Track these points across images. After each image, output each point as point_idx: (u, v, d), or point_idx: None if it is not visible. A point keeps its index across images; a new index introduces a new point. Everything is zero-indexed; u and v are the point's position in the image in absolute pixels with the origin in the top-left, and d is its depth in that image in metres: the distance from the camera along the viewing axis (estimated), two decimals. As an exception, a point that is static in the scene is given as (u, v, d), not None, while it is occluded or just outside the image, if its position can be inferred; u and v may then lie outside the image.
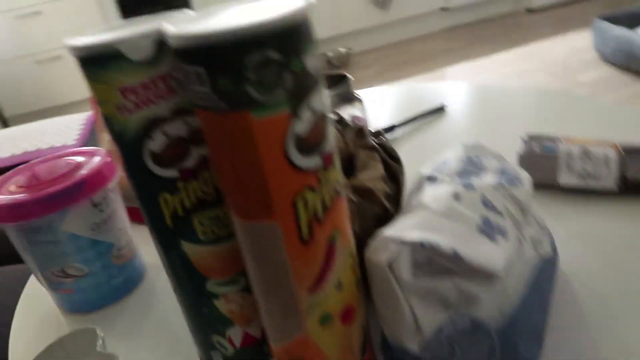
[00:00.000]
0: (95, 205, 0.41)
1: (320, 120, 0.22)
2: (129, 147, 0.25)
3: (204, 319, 0.31)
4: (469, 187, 0.31)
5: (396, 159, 0.42)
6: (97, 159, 0.43)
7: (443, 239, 0.26)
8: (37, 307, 0.46)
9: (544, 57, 2.39)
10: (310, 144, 0.22)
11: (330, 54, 2.76)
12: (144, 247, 0.48)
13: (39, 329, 0.43)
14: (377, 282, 0.27)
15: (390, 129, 0.63)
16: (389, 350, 0.30)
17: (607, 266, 0.37)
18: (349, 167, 0.41)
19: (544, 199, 0.46)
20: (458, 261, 0.25)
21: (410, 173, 0.42)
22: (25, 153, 1.05)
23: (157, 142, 0.25)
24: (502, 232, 0.28)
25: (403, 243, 0.26)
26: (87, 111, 1.30)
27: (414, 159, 0.50)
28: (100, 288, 0.44)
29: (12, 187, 0.41)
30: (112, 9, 2.64)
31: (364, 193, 0.37)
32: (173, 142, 0.25)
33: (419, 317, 0.26)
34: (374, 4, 2.95)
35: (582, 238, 0.40)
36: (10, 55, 2.62)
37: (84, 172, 0.41)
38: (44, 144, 1.08)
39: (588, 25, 2.72)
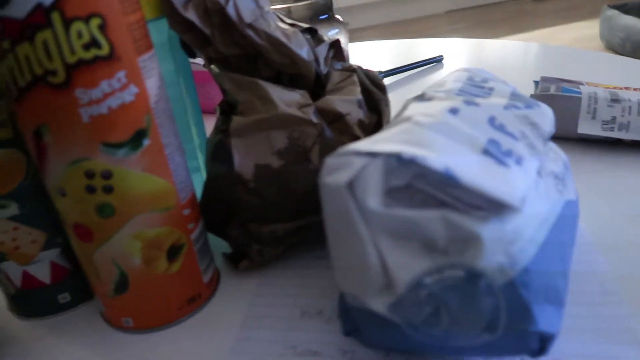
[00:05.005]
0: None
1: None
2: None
3: None
4: (471, 104, 0.23)
5: (380, 87, 0.33)
6: None
7: (432, 154, 0.18)
8: None
9: (547, 44, 2.30)
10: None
11: (327, 28, 2.65)
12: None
13: None
14: (332, 214, 0.18)
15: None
16: (348, 315, 0.21)
17: (629, 224, 0.29)
18: (317, 87, 0.32)
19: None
20: (452, 185, 0.17)
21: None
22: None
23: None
24: (516, 158, 0.20)
25: (372, 155, 0.18)
26: None
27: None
28: None
29: None
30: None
31: (331, 118, 0.29)
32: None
33: (389, 263, 0.17)
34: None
35: (603, 193, 0.32)
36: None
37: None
38: None
39: (596, 16, 2.62)
